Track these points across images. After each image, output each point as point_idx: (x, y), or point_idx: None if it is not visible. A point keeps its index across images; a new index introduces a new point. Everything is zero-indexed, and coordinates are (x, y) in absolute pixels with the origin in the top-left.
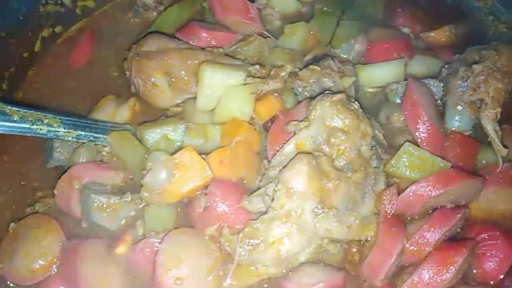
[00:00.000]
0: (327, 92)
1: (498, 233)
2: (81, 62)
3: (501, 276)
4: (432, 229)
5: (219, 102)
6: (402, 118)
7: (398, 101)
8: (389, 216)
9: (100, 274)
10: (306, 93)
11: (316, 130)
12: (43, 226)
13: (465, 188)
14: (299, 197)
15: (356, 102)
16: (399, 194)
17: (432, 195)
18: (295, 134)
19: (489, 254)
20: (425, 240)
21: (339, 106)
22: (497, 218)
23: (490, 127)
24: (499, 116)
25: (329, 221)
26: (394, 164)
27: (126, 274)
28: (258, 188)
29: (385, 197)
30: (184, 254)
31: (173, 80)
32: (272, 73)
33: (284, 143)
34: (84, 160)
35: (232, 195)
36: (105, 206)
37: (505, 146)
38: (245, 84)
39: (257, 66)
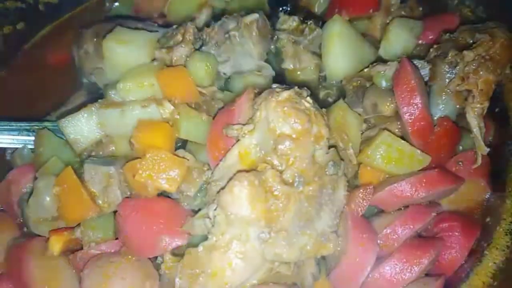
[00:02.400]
0: (275, 86)
1: (456, 223)
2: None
3: (455, 268)
4: (405, 225)
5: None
6: (391, 106)
7: (384, 85)
8: (359, 220)
9: (48, 272)
10: (214, 44)
11: (262, 136)
12: None
13: (446, 191)
14: (242, 223)
15: (309, 98)
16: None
17: (413, 197)
18: (238, 140)
19: (447, 245)
20: (396, 236)
21: (285, 108)
22: (464, 210)
23: (474, 123)
24: (485, 111)
25: (278, 246)
26: (369, 155)
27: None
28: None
29: (357, 198)
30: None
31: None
32: (178, 37)
33: (226, 151)
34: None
35: (141, 212)
36: (41, 220)
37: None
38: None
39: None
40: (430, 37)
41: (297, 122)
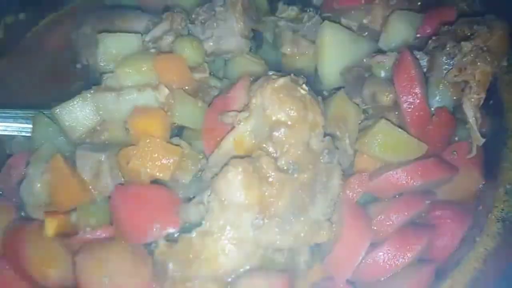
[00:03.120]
0: (271, 73)
1: (449, 211)
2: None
3: (448, 255)
4: (399, 212)
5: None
6: (390, 96)
7: (383, 75)
8: (353, 206)
9: (44, 255)
10: (200, 22)
11: (257, 123)
12: None
13: (440, 180)
14: (235, 210)
15: (304, 85)
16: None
17: (408, 185)
18: (233, 127)
19: (440, 232)
20: (390, 222)
21: (281, 94)
22: (457, 198)
23: (470, 114)
24: (482, 102)
25: (271, 232)
26: (366, 142)
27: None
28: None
29: (353, 185)
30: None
31: None
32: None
33: (221, 139)
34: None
35: (133, 199)
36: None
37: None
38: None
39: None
40: (428, 30)
41: (293, 109)
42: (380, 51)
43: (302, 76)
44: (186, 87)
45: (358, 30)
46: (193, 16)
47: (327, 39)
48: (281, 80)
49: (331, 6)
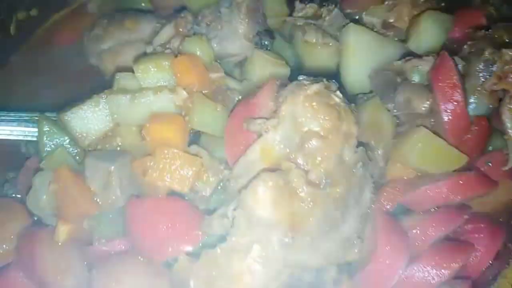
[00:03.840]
0: (301, 77)
1: (483, 226)
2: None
3: (482, 270)
4: (436, 227)
5: None
6: (427, 103)
7: (418, 80)
8: (388, 220)
9: (59, 263)
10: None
11: (287, 132)
12: (8, 210)
13: (480, 195)
14: (264, 226)
15: (338, 92)
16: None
17: (448, 200)
18: (260, 135)
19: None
20: (426, 237)
21: (314, 102)
22: (490, 211)
23: (510, 125)
24: None
25: (301, 252)
26: (404, 151)
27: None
28: (215, 208)
29: (386, 196)
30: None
31: None
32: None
33: (246, 147)
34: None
35: (150, 213)
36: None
37: None
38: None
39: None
40: (457, 34)
41: (327, 119)
42: (409, 54)
43: (333, 81)
44: (205, 91)
45: (382, 28)
46: (199, 17)
47: (352, 45)
48: (315, 87)
49: (352, 0)
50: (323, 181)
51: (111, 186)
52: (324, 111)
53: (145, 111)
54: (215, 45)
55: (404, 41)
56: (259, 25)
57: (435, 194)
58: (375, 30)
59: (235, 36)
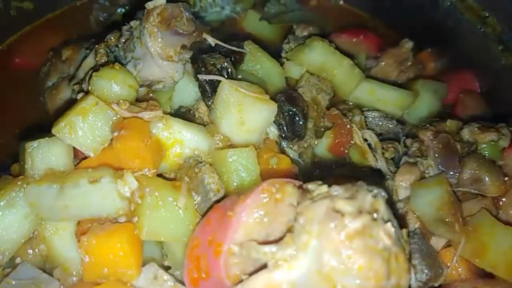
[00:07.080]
0: (335, 192)
1: None
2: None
3: None
4: None
5: None
6: (502, 188)
7: (491, 155)
8: None
9: None
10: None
11: (306, 275)
12: None
13: None
14: None
15: (389, 225)
16: None
17: None
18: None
19: None
20: None
21: (353, 247)
22: None
23: None
24: None
25: None
26: (492, 259)
27: None
28: None
29: None
30: None
31: None
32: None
33: (217, 275)
34: None
35: None
36: None
37: None
38: None
39: None
40: (449, 97)
41: (370, 277)
42: (402, 123)
43: (382, 190)
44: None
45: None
46: (121, 38)
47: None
48: (357, 224)
49: None
50: None
51: None
52: (368, 264)
53: (78, 204)
54: (134, 71)
55: None
56: (184, 36)
57: None
58: None
59: (149, 55)
